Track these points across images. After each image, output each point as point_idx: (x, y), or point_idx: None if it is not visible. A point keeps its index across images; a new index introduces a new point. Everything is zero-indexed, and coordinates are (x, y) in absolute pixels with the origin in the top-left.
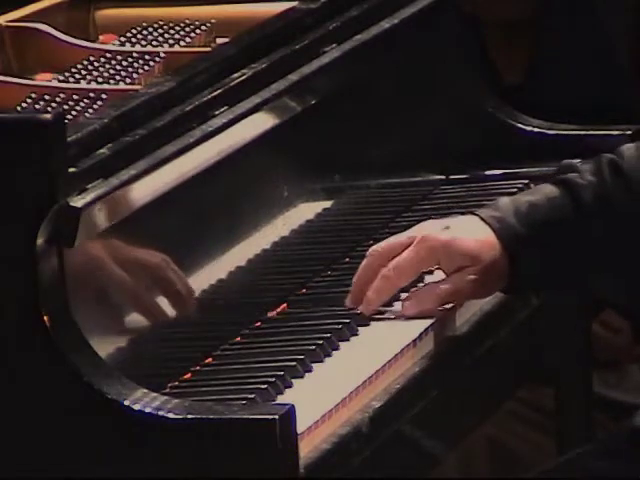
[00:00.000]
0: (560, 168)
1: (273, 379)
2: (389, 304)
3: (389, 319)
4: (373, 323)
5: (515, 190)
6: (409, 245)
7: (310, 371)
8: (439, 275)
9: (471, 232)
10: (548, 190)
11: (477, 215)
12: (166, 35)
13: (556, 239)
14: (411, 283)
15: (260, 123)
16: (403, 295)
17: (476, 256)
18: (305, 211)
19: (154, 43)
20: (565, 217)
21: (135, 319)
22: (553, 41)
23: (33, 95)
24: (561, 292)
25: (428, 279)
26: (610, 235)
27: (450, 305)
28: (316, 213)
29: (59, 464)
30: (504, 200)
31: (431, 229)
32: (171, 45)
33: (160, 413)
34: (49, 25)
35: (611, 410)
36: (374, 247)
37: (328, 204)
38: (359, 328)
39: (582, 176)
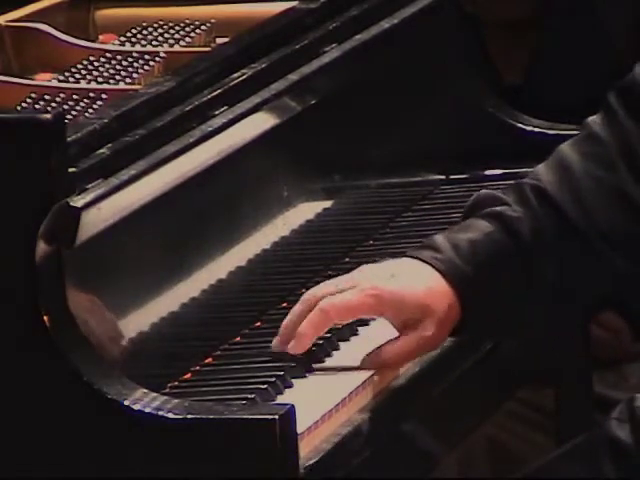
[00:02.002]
0: (477, 199)
1: (273, 379)
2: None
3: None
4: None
5: None
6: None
7: (310, 371)
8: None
9: (419, 279)
10: (482, 225)
11: (417, 258)
12: (166, 35)
13: (503, 277)
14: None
15: (260, 123)
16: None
17: (427, 306)
18: (305, 211)
19: (154, 43)
20: (508, 254)
21: (135, 319)
22: (553, 41)
23: (33, 95)
24: (511, 332)
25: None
26: (550, 269)
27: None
28: (316, 213)
29: (59, 464)
30: (439, 239)
31: (375, 276)
32: (171, 45)
33: (160, 413)
34: (49, 25)
35: (611, 410)
36: (309, 292)
37: (328, 204)
38: (359, 328)
39: (513, 208)
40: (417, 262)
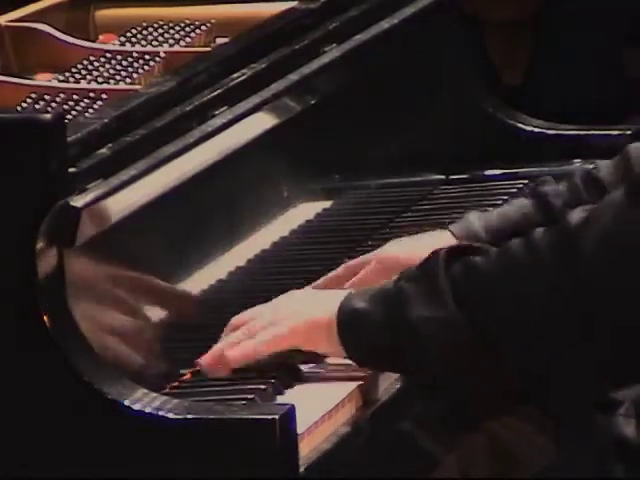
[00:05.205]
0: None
1: (273, 379)
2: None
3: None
4: None
5: (515, 190)
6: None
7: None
8: None
9: None
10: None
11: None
12: (166, 35)
13: None
14: None
15: (260, 123)
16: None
17: None
18: (305, 211)
19: (154, 43)
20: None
21: (135, 319)
22: (553, 41)
23: (33, 95)
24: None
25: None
26: None
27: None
28: (316, 213)
29: (59, 464)
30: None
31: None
32: (171, 45)
33: (160, 413)
34: (49, 25)
35: (611, 410)
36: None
37: (328, 204)
38: None
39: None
40: None
